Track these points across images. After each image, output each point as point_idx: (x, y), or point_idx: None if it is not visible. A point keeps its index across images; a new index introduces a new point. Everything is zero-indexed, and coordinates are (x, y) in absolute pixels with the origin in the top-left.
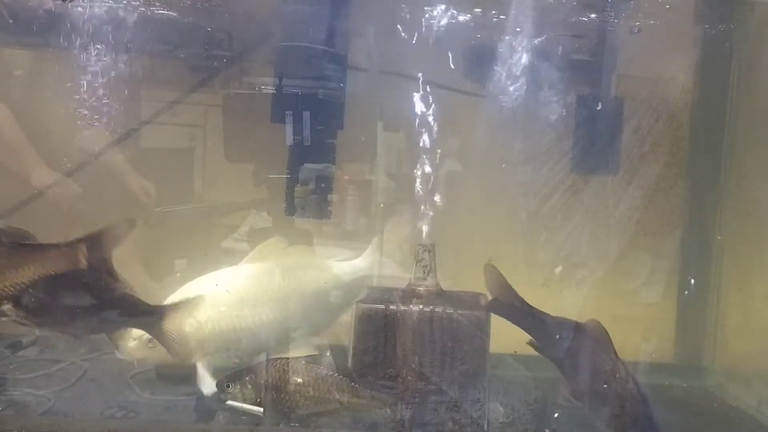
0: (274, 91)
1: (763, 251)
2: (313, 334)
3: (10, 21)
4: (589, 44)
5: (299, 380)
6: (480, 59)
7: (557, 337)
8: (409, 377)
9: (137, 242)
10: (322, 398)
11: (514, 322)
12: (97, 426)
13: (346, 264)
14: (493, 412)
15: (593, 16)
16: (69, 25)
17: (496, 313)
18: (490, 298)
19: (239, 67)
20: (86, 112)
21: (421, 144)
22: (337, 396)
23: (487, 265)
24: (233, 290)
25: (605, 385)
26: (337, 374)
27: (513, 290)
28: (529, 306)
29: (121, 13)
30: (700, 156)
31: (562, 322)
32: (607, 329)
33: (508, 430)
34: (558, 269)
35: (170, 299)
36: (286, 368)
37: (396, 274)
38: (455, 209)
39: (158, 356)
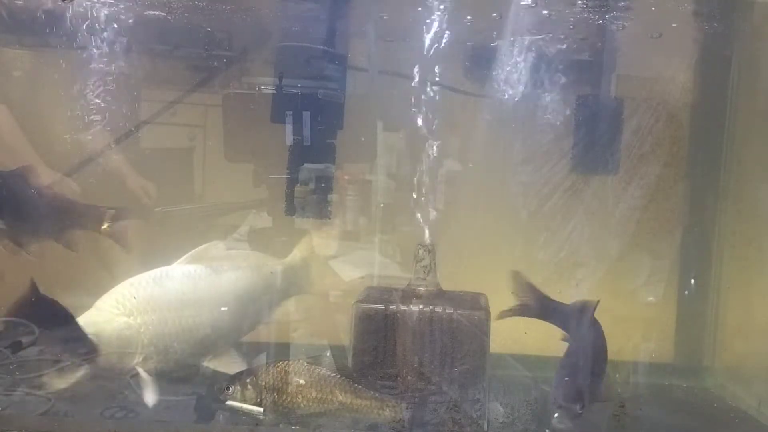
0: (274, 91)
1: (763, 251)
2: (240, 337)
3: (9, 20)
4: (590, 44)
5: (301, 381)
6: (480, 59)
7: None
8: (409, 377)
9: (137, 242)
10: (325, 399)
11: (544, 319)
12: (97, 426)
13: (266, 265)
14: (493, 412)
15: (596, 16)
16: (68, 25)
17: (525, 315)
18: (518, 302)
19: (239, 67)
20: (86, 112)
21: (420, 144)
22: (340, 397)
23: (514, 271)
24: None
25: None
26: (339, 375)
27: (537, 290)
28: (552, 300)
29: (121, 13)
30: (700, 156)
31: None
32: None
33: (508, 430)
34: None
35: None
36: (288, 370)
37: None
38: (455, 209)
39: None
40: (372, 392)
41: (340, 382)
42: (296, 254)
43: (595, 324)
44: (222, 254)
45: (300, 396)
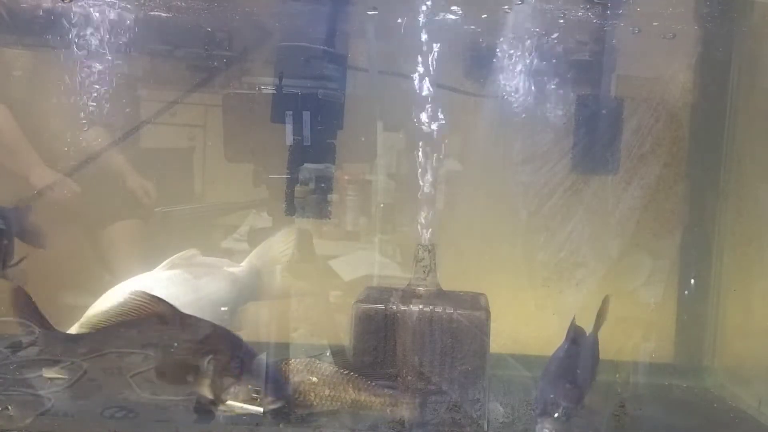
0: (274, 91)
1: (763, 251)
2: None
3: (9, 20)
4: (590, 44)
5: (314, 379)
6: (480, 59)
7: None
8: (409, 377)
9: (137, 242)
10: (338, 397)
11: None
12: (97, 426)
13: (230, 271)
14: (493, 412)
15: (595, 16)
16: (68, 25)
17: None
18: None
19: (239, 67)
20: (86, 112)
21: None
22: (353, 395)
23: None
24: None
25: None
26: (351, 372)
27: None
28: None
29: (121, 13)
30: (700, 156)
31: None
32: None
33: (507, 430)
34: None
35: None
36: (299, 367)
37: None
38: (455, 209)
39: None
40: (385, 389)
41: (352, 379)
42: (251, 260)
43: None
44: (198, 261)
45: (312, 394)
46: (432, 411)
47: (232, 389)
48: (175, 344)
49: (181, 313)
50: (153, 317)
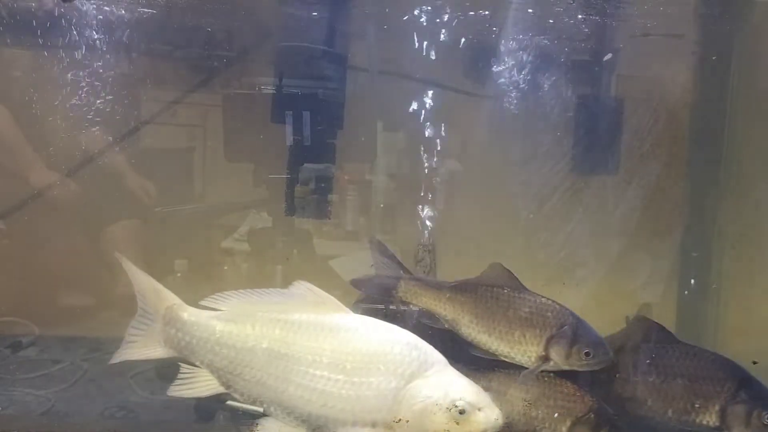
0: (274, 91)
1: (764, 251)
2: None
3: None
4: (590, 45)
5: None
6: (480, 59)
7: None
8: None
9: (138, 242)
10: None
11: None
12: (97, 426)
13: None
14: None
15: (595, 16)
16: (69, 26)
17: None
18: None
19: (239, 67)
20: (86, 112)
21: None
22: None
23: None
24: None
25: None
26: None
27: None
28: None
29: (121, 13)
30: (700, 156)
31: None
32: None
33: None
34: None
35: None
36: None
37: None
38: (455, 209)
39: None
40: None
41: None
42: None
43: None
44: None
45: None
46: None
47: None
48: None
49: None
50: None
